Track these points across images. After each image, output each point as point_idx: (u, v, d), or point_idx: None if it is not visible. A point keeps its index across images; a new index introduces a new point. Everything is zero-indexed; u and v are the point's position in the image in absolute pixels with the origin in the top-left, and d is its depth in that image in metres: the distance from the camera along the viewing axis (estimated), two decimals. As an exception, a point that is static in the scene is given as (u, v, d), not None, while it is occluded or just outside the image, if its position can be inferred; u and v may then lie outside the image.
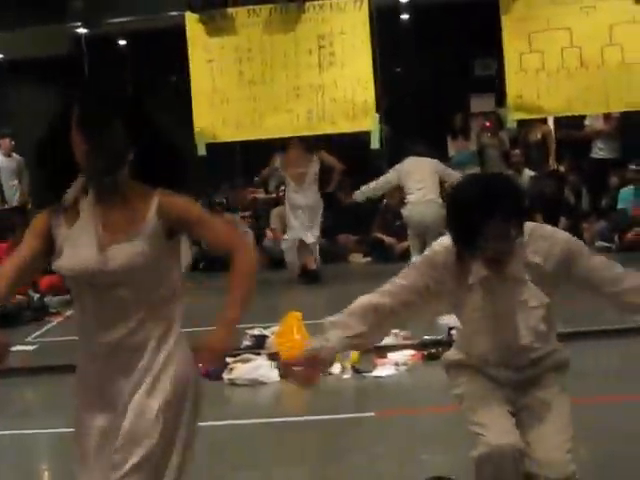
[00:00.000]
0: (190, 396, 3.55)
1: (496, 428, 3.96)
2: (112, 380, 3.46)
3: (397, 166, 12.27)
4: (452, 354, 4.31)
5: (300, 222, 12.43)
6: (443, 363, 4.36)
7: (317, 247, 12.67)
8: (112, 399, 3.46)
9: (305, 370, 3.90)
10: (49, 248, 3.48)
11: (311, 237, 12.44)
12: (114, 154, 3.32)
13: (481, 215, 3.69)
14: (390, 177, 12.24)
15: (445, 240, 4.00)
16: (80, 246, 3.36)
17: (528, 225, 3.91)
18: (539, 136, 14.85)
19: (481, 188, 3.80)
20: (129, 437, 3.37)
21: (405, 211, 12.12)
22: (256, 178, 14.56)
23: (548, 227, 4.09)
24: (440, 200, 11.65)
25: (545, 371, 4.16)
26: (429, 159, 12.11)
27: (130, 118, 3.35)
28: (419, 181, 11.93)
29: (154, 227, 3.37)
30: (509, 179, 4.09)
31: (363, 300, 4.12)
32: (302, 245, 12.47)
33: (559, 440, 4.01)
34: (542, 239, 3.94)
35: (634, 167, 13.65)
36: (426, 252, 4.10)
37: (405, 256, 12.43)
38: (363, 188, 12.40)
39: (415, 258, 12.09)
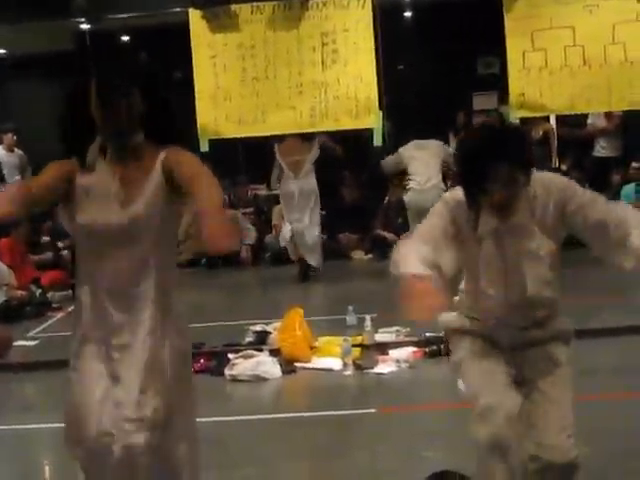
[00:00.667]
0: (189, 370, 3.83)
1: (493, 390, 4.01)
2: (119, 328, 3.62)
3: (401, 150, 12.34)
4: (453, 320, 4.29)
5: (292, 223, 12.36)
6: (443, 328, 4.37)
7: (318, 246, 12.55)
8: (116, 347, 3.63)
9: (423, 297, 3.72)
10: (64, 192, 3.63)
11: (309, 238, 12.36)
12: (130, 118, 3.54)
13: (489, 158, 3.79)
14: (396, 159, 12.41)
15: (455, 192, 4.07)
16: (100, 202, 3.56)
17: (533, 175, 3.99)
18: (541, 134, 14.84)
19: (489, 134, 3.95)
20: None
21: (406, 197, 12.17)
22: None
23: (549, 174, 4.24)
24: (442, 185, 11.71)
25: (550, 339, 4.18)
26: (434, 141, 12.17)
27: (144, 86, 3.59)
28: (422, 166, 11.99)
29: (158, 179, 3.57)
30: (517, 128, 4.17)
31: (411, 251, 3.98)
32: (300, 240, 12.40)
33: (563, 424, 4.04)
34: (542, 186, 4.01)
35: (636, 164, 13.67)
36: (438, 203, 4.11)
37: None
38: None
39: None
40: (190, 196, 3.46)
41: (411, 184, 12.05)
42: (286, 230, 12.40)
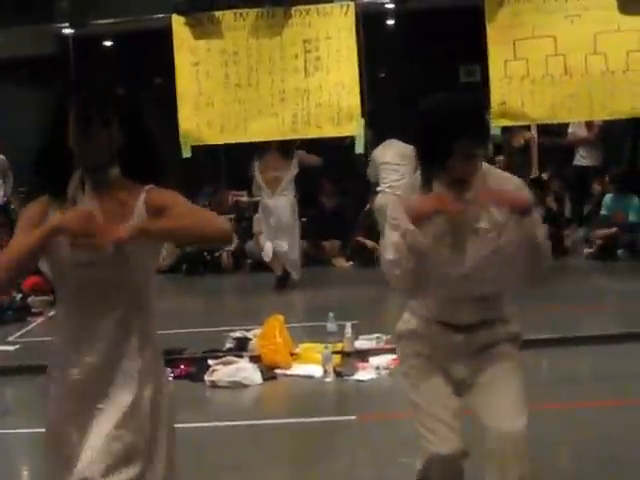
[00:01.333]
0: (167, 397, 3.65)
1: (440, 431, 4.05)
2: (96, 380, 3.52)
3: (370, 160, 12.42)
4: (404, 322, 4.29)
5: (272, 233, 12.34)
6: (395, 335, 4.35)
7: (294, 256, 12.52)
8: (95, 397, 3.53)
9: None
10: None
11: (284, 245, 12.35)
12: (108, 151, 3.44)
13: (451, 134, 3.81)
14: (370, 172, 12.46)
15: (404, 182, 4.12)
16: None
17: (485, 165, 4.04)
18: (522, 142, 14.91)
19: (451, 109, 3.94)
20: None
21: (376, 200, 12.19)
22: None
23: (506, 173, 4.26)
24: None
25: (498, 341, 4.16)
26: (402, 144, 12.06)
27: (123, 117, 3.48)
28: (392, 171, 12.02)
29: (142, 218, 3.44)
30: (476, 100, 4.16)
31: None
32: (283, 257, 12.39)
33: (510, 400, 4.05)
34: (496, 180, 4.03)
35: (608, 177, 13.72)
36: (393, 203, 4.10)
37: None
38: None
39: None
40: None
41: (381, 186, 12.06)
42: (268, 248, 12.37)
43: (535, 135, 15.14)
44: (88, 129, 3.39)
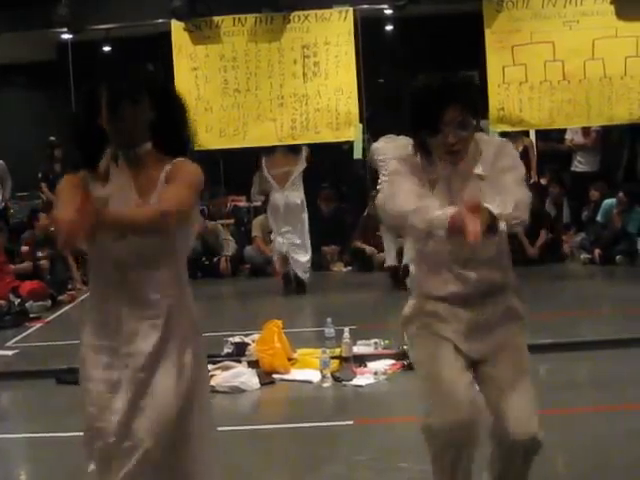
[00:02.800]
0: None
1: (451, 399, 4.08)
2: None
3: (370, 152, 12.25)
4: (408, 307, 4.35)
5: (283, 236, 12.23)
6: (401, 322, 4.39)
7: (304, 257, 12.46)
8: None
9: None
10: None
11: (302, 255, 12.27)
12: (140, 128, 3.58)
13: (440, 101, 3.92)
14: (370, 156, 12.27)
15: (403, 150, 4.23)
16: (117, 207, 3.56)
17: (480, 135, 4.15)
18: (520, 149, 14.91)
19: (440, 79, 4.04)
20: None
21: (377, 199, 11.96)
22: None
23: (504, 140, 4.38)
24: None
25: (501, 318, 4.21)
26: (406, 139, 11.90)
27: (153, 94, 3.61)
28: None
29: (162, 190, 3.59)
30: (465, 75, 4.25)
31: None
32: (293, 254, 12.29)
33: (524, 403, 4.13)
34: (492, 147, 4.12)
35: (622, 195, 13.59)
36: (392, 163, 4.24)
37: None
38: None
39: (389, 257, 12.02)
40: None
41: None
42: (279, 243, 12.29)
43: (534, 141, 15.17)
44: (119, 108, 3.50)
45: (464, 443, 4.12)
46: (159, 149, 3.66)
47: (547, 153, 15.53)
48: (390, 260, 12.03)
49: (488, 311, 4.18)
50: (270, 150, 12.38)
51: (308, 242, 12.42)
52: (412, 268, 4.53)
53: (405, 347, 8.11)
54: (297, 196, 12.27)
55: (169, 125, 3.66)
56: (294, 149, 12.32)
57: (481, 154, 4.08)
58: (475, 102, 4.09)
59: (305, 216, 12.41)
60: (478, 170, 4.06)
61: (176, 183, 3.56)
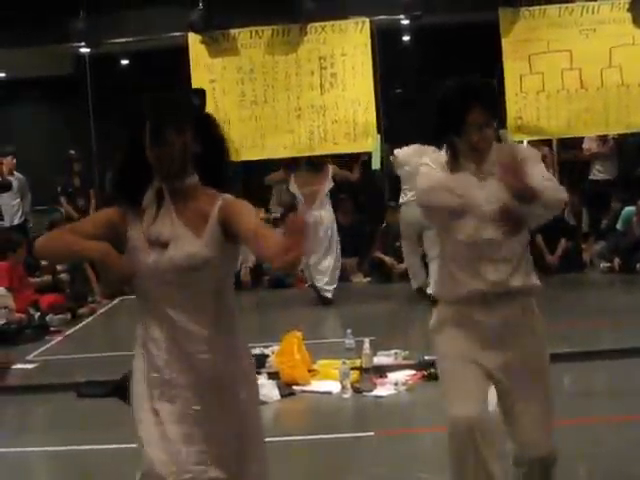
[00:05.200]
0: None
1: (461, 398, 4.21)
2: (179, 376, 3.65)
3: (394, 159, 12.02)
4: (433, 319, 4.47)
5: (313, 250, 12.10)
6: (430, 330, 4.49)
7: (334, 271, 12.39)
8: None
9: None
10: (109, 241, 3.61)
11: (325, 261, 12.20)
12: (183, 159, 3.53)
13: (464, 103, 4.18)
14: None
15: (432, 158, 4.44)
16: (163, 244, 3.54)
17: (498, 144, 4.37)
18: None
19: (462, 84, 4.32)
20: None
21: (402, 213, 11.77)
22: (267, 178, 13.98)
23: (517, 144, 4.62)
24: None
25: (520, 326, 4.28)
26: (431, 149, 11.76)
27: (197, 125, 3.58)
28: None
29: (215, 226, 3.54)
30: (485, 79, 4.40)
31: None
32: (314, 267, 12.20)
33: (540, 419, 4.28)
34: (507, 151, 4.32)
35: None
36: (422, 173, 4.40)
37: (405, 276, 12.44)
38: None
39: (412, 263, 11.93)
40: (247, 245, 3.51)
41: (406, 197, 11.59)
42: (304, 264, 12.14)
43: (555, 149, 15.15)
44: (162, 138, 3.48)
45: (477, 443, 4.16)
46: (203, 182, 3.63)
47: (567, 162, 15.49)
48: (416, 282, 11.89)
49: (508, 313, 4.24)
50: (295, 169, 12.32)
51: (338, 258, 12.34)
52: (434, 274, 4.69)
53: (427, 357, 8.12)
54: (327, 213, 12.21)
55: (213, 157, 3.63)
56: (319, 168, 12.22)
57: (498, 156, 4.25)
58: (494, 103, 4.32)
59: (334, 231, 12.33)
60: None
61: (251, 215, 3.55)
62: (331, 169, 12.27)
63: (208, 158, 3.60)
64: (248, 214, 3.54)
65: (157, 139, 3.48)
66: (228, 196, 3.59)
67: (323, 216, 12.14)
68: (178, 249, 3.50)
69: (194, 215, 3.55)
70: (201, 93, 3.71)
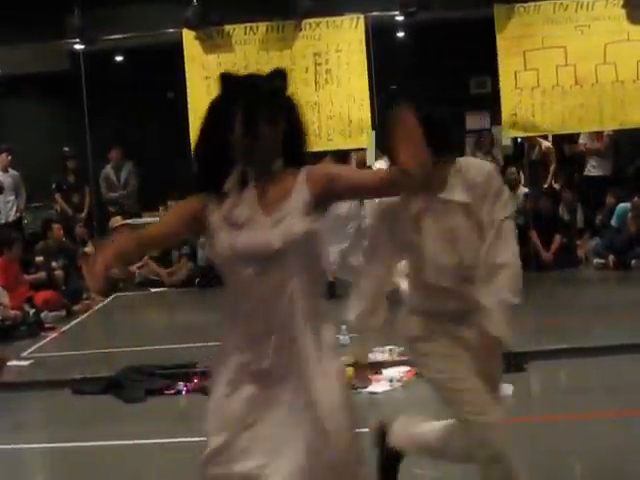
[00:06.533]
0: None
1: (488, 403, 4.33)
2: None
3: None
4: (409, 327, 4.51)
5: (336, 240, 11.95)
6: (407, 340, 4.57)
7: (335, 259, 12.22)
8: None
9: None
10: (193, 231, 3.66)
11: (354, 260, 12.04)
12: (274, 148, 3.47)
13: None
14: None
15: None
16: (247, 229, 3.46)
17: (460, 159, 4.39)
18: (540, 153, 14.91)
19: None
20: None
21: None
22: None
23: (476, 160, 4.70)
24: None
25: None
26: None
27: (285, 113, 3.50)
28: None
29: (304, 196, 3.47)
30: (437, 110, 4.33)
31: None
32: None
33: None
34: (474, 168, 4.35)
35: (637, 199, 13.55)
36: (370, 208, 4.45)
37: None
38: None
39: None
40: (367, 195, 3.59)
41: None
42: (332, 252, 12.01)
43: (550, 145, 15.17)
44: (256, 130, 3.41)
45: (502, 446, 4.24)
46: (287, 163, 3.56)
47: (561, 158, 15.50)
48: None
49: (474, 330, 4.26)
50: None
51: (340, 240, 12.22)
52: (404, 285, 4.68)
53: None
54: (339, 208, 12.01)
55: (295, 140, 3.55)
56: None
57: (465, 179, 4.24)
58: (435, 136, 3.97)
59: (351, 226, 12.15)
60: (460, 197, 4.21)
61: (356, 170, 3.57)
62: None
63: (290, 141, 3.53)
64: (344, 171, 3.57)
65: (251, 131, 3.42)
66: (308, 167, 3.54)
67: (337, 210, 11.93)
68: (254, 235, 3.43)
69: (276, 200, 3.49)
70: (283, 75, 3.60)
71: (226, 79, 3.63)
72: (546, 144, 15.00)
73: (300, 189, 3.48)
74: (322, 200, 3.49)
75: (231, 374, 3.53)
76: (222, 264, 3.53)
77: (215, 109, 3.61)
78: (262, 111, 3.42)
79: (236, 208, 3.49)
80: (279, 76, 3.59)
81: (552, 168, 15.19)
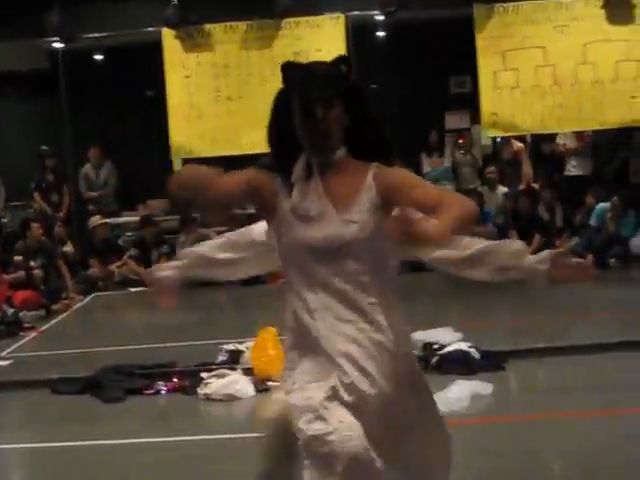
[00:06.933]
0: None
1: None
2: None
3: None
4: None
5: None
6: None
7: None
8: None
9: None
10: (252, 202, 3.63)
11: None
12: (333, 134, 3.44)
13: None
14: None
15: None
16: (316, 222, 3.44)
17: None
18: (512, 153, 14.94)
19: None
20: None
21: None
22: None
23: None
24: None
25: None
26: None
27: (347, 99, 3.48)
28: None
29: (372, 196, 3.45)
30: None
31: None
32: None
33: None
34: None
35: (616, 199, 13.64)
36: None
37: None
38: None
39: None
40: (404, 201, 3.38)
41: None
42: None
43: (529, 143, 15.19)
44: (311, 112, 3.39)
45: None
46: (353, 154, 3.53)
47: (540, 157, 15.54)
48: None
49: None
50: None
51: None
52: None
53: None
54: None
55: (364, 130, 3.53)
56: None
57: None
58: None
59: None
60: None
61: (424, 186, 3.45)
62: None
63: (356, 129, 3.51)
64: (415, 184, 3.46)
65: (308, 115, 3.40)
66: (378, 165, 3.50)
67: None
68: (322, 227, 3.42)
69: (342, 191, 3.47)
70: (347, 61, 3.58)
71: (287, 68, 3.58)
72: (518, 144, 15.03)
73: (368, 189, 3.46)
74: (385, 203, 3.47)
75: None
76: (289, 255, 3.52)
77: (278, 98, 3.59)
78: (316, 94, 3.40)
79: (305, 200, 3.47)
80: (342, 62, 3.56)
81: (525, 168, 15.25)
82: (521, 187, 14.79)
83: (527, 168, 15.19)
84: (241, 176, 3.58)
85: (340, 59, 3.57)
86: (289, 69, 3.58)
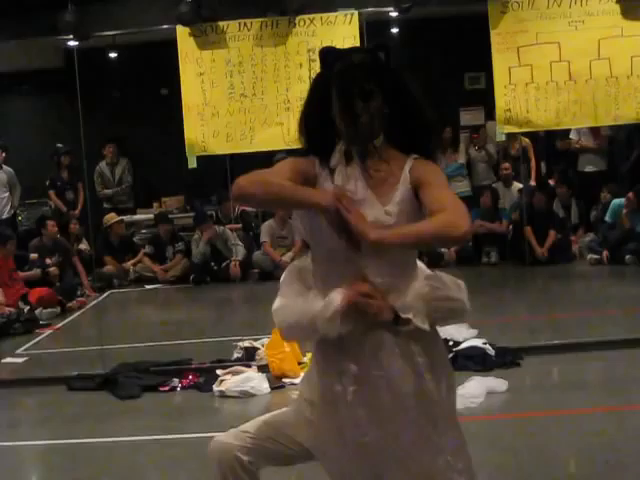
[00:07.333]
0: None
1: None
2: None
3: None
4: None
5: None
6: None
7: None
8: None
9: None
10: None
11: None
12: (375, 123, 3.39)
13: None
14: None
15: None
16: (355, 203, 3.34)
17: None
18: (519, 150, 14.92)
19: None
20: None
21: None
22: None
23: None
24: None
25: None
26: None
27: (388, 88, 3.41)
28: None
29: (407, 189, 3.40)
30: None
31: None
32: None
33: None
34: None
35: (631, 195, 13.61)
36: None
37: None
38: None
39: None
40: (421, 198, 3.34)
41: None
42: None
43: (543, 138, 15.18)
44: (350, 107, 3.34)
45: None
46: (393, 143, 3.48)
47: (556, 153, 15.52)
48: None
49: None
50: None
51: None
52: None
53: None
54: None
55: (404, 119, 3.46)
56: None
57: None
58: None
59: None
60: None
61: (442, 188, 3.35)
62: None
63: (396, 118, 3.45)
64: (439, 184, 3.37)
65: (346, 109, 3.35)
66: (417, 157, 3.45)
67: None
68: (366, 213, 3.31)
69: (381, 179, 3.43)
70: (386, 47, 3.49)
71: (325, 54, 3.54)
72: (525, 140, 15.02)
73: (405, 181, 3.40)
74: (415, 196, 3.40)
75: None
76: (323, 237, 3.43)
77: (315, 85, 3.57)
78: (355, 87, 3.35)
79: (348, 184, 3.42)
80: (381, 49, 3.49)
81: (533, 164, 15.25)
82: (531, 183, 14.79)
83: (534, 164, 15.20)
84: (283, 167, 3.50)
85: (379, 46, 3.51)
86: (327, 55, 3.53)
